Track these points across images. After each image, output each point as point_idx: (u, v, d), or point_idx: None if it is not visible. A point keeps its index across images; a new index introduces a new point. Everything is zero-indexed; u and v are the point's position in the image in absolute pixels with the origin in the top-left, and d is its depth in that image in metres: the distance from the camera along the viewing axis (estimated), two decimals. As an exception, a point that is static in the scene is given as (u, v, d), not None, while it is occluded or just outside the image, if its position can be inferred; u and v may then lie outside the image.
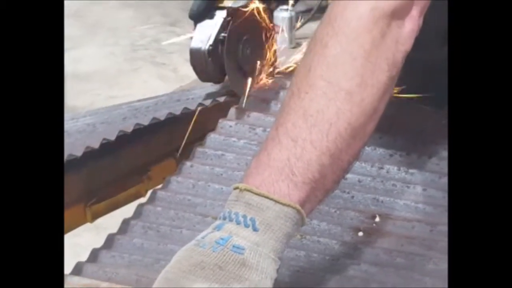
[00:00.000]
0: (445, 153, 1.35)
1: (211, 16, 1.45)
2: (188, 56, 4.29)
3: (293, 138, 1.11)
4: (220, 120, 1.44)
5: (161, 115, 1.44)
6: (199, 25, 1.45)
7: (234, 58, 1.47)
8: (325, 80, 1.13)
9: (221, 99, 1.54)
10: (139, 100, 1.59)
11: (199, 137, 1.57)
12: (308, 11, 4.54)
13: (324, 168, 1.11)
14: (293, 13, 4.28)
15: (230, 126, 1.43)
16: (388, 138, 1.38)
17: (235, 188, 1.10)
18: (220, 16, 1.45)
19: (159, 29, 4.61)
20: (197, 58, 1.46)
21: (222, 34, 1.44)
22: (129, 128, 1.39)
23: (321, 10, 4.38)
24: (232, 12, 1.44)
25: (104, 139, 1.35)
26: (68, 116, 1.61)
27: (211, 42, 1.43)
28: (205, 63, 1.45)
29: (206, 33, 1.44)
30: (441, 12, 1.27)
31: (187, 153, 1.56)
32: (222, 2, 1.46)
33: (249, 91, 1.50)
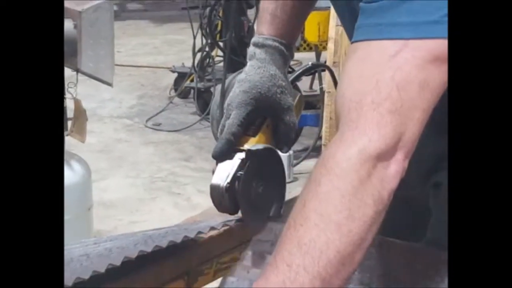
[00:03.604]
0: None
1: (231, 157, 1.44)
2: (199, 187, 4.29)
3: (288, 263, 1.10)
4: (223, 277, 1.42)
5: (164, 242, 1.42)
6: (219, 164, 1.44)
7: (248, 195, 1.45)
8: (318, 213, 1.12)
9: (219, 226, 1.53)
10: (153, 229, 1.57)
11: (205, 261, 1.56)
12: (304, 150, 4.56)
13: None
14: (291, 152, 4.30)
15: (232, 282, 1.40)
16: None
17: None
18: (238, 157, 1.43)
19: (175, 163, 4.64)
20: (216, 193, 1.43)
21: (239, 173, 1.42)
22: (133, 254, 1.37)
23: (316, 149, 4.40)
24: (250, 154, 1.43)
25: (110, 264, 1.31)
26: (91, 241, 1.59)
27: (229, 180, 1.41)
28: (222, 198, 1.43)
29: (225, 172, 1.42)
30: (423, 156, 1.27)
31: (195, 275, 1.54)
32: (242, 145, 1.45)
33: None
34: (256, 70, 1.48)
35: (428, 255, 1.38)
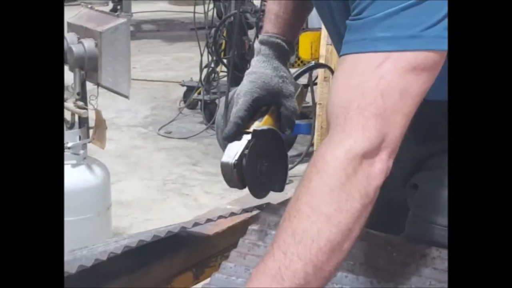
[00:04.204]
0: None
1: (239, 138, 1.44)
2: (206, 189, 4.25)
3: (283, 251, 1.10)
4: (222, 262, 1.42)
5: (163, 232, 1.44)
6: (229, 145, 1.44)
7: (254, 171, 1.44)
8: (309, 206, 1.12)
9: (215, 218, 1.54)
10: (165, 226, 1.57)
11: (211, 255, 1.57)
12: (298, 155, 4.56)
13: (308, 275, 1.09)
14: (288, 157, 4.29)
15: (230, 267, 1.39)
16: (352, 277, 1.34)
17: None
18: (245, 138, 1.43)
19: (184, 168, 4.63)
20: (225, 170, 1.43)
21: (246, 151, 1.42)
22: (133, 243, 1.37)
23: (309, 155, 4.40)
24: (255, 134, 1.43)
25: (111, 252, 1.33)
26: (113, 240, 1.61)
27: (236, 157, 1.41)
28: (231, 174, 1.42)
29: (233, 151, 1.42)
30: (403, 161, 1.27)
31: (202, 267, 1.55)
32: (249, 128, 1.45)
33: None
34: (261, 64, 1.49)
35: (405, 246, 1.39)
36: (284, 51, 1.52)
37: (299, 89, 1.55)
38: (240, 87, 1.48)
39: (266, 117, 1.47)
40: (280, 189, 1.50)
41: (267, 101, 1.47)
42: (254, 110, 1.46)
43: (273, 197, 1.62)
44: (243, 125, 1.44)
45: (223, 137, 1.46)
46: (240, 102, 1.45)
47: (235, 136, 1.43)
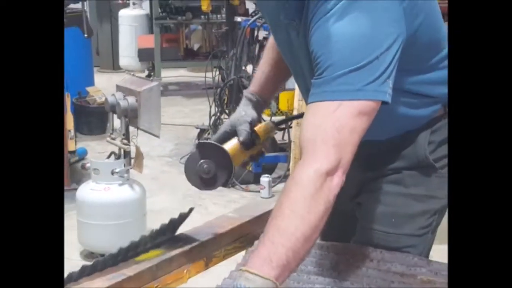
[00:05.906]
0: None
1: None
2: (214, 201, 4.21)
3: (271, 241, 1.12)
4: (230, 271, 1.40)
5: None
6: (191, 153, 1.52)
7: (192, 169, 1.50)
8: (289, 210, 1.14)
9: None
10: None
11: (217, 249, 1.56)
12: (278, 177, 4.55)
13: (289, 258, 1.11)
14: (271, 178, 4.28)
15: (230, 283, 1.32)
16: (321, 279, 1.35)
17: (239, 269, 1.12)
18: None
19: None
20: (186, 168, 1.52)
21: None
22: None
23: (286, 177, 4.39)
24: (197, 145, 1.51)
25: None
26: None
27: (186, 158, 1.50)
28: (184, 168, 1.51)
29: (193, 157, 1.51)
30: (351, 184, 1.27)
31: (210, 257, 1.53)
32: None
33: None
34: (240, 112, 1.56)
35: (357, 253, 1.39)
36: (260, 104, 1.59)
37: (269, 126, 1.59)
38: (224, 123, 1.58)
39: (233, 141, 1.53)
40: (223, 185, 1.53)
41: (234, 134, 1.54)
42: (227, 137, 1.53)
43: (264, 208, 1.61)
44: None
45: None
46: (217, 132, 1.55)
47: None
